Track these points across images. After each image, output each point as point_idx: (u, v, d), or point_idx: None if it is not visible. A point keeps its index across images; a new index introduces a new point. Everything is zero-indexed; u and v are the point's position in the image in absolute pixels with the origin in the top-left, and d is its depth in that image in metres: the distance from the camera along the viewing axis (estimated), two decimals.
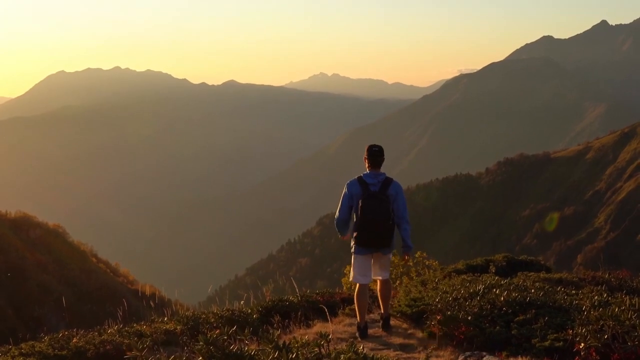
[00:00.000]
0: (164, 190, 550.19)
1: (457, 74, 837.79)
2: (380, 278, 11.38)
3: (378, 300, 12.20)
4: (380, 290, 11.55)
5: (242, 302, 14.69)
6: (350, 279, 11.71)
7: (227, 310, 12.72)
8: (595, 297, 9.32)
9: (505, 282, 11.24)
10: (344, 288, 25.60)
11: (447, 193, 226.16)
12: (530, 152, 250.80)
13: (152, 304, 15.18)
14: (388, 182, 11.09)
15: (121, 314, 14.38)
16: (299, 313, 12.89)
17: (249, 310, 12.97)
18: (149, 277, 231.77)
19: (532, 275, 13.82)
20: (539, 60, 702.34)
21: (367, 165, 11.40)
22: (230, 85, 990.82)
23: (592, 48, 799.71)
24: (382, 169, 11.65)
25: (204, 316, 12.61)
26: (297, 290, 15.62)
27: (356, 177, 11.27)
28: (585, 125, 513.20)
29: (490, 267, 16.76)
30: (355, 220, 10.95)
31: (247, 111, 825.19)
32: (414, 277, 23.65)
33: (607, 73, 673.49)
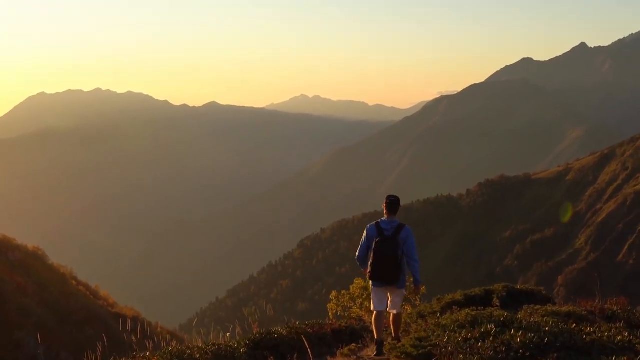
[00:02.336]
0: (145, 210, 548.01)
1: (438, 96, 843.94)
2: (393, 312, 13.43)
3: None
4: (393, 321, 13.60)
5: (227, 334, 13.93)
6: (372, 307, 13.61)
7: (212, 345, 12.04)
8: (618, 338, 8.74)
9: (518, 320, 10.62)
10: (330, 314, 25.08)
11: (428, 214, 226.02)
12: (511, 173, 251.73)
13: (133, 337, 14.25)
14: (400, 227, 13.19)
15: (102, 342, 13.60)
16: (295, 356, 12.35)
17: (236, 345, 12.29)
18: (130, 296, 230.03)
19: (540, 309, 13.30)
20: (519, 82, 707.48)
21: (385, 212, 13.49)
22: (212, 107, 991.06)
23: (572, 70, 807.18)
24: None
25: (188, 352, 11.94)
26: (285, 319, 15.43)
27: (374, 222, 13.45)
28: (565, 146, 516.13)
29: (494, 299, 16.30)
30: (370, 258, 13.09)
31: (228, 133, 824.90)
32: (405, 306, 23.05)
33: (586, 95, 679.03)
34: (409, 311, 15.16)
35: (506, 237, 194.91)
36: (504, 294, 16.92)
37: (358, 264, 13.50)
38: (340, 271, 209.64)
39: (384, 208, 13.47)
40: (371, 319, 13.90)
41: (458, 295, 17.46)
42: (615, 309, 14.24)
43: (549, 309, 13.29)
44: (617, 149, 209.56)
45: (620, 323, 11.57)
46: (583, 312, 13.18)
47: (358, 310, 24.39)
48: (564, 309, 13.39)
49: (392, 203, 13.42)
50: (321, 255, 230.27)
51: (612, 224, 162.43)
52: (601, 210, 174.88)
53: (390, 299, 13.26)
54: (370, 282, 13.33)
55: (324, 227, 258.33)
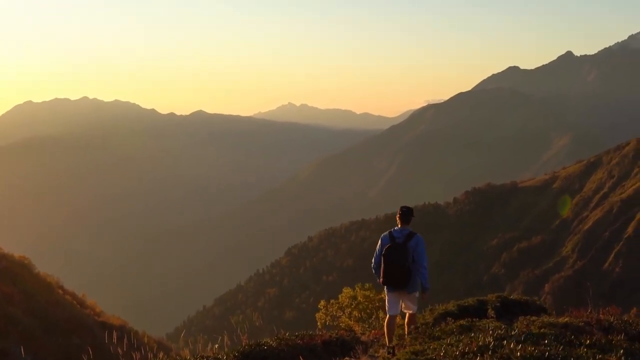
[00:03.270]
0: (132, 218, 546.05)
1: (425, 104, 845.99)
2: (407, 312, 14.47)
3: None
4: (407, 319, 14.58)
5: (216, 346, 13.69)
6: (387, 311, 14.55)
7: (200, 357, 11.81)
8: (621, 351, 8.54)
9: (515, 333, 10.38)
10: (319, 324, 24.88)
11: (415, 223, 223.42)
12: (497, 181, 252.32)
13: (120, 350, 13.96)
14: (411, 235, 14.31)
15: (87, 353, 13.35)
16: None
17: (225, 357, 12.06)
18: (116, 304, 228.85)
19: (536, 320, 13.09)
20: (505, 91, 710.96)
21: (398, 221, 14.65)
22: (199, 116, 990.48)
23: (558, 78, 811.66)
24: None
25: None
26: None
27: (388, 231, 14.48)
28: (551, 154, 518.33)
29: (489, 310, 16.13)
30: (381, 265, 14.13)
31: (215, 141, 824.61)
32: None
33: (573, 103, 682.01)
34: (399, 322, 15.01)
35: (493, 245, 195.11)
36: (498, 304, 16.77)
37: (374, 272, 14.50)
38: (328, 279, 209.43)
39: (398, 218, 14.68)
40: (384, 324, 14.69)
41: (451, 306, 17.31)
42: (612, 319, 14.09)
43: (545, 320, 13.11)
44: (603, 157, 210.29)
45: (621, 335, 11.40)
46: (580, 324, 13.03)
47: (347, 319, 24.29)
48: (561, 320, 13.23)
49: (405, 213, 14.68)
50: (308, 263, 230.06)
51: (598, 232, 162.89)
52: (588, 218, 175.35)
53: (403, 303, 14.28)
54: (385, 287, 14.28)
55: (311, 235, 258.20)
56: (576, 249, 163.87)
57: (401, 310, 14.40)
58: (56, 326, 65.86)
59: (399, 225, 14.60)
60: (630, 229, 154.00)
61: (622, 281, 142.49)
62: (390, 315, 14.26)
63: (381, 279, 14.06)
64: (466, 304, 17.11)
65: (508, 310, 16.50)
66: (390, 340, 14.02)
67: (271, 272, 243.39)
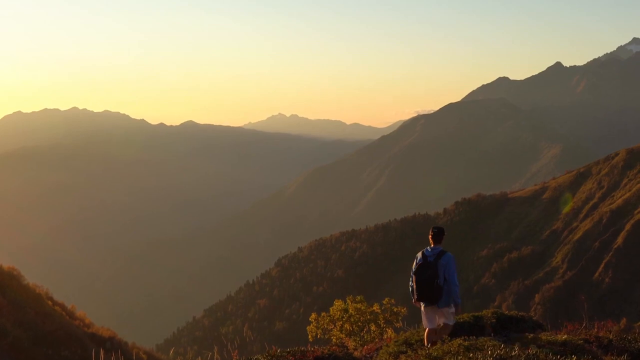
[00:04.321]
0: (121, 229, 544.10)
1: (415, 115, 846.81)
2: (441, 322, 15.52)
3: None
4: (441, 328, 15.57)
5: None
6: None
7: None
8: None
9: (516, 354, 10.37)
10: (309, 337, 24.72)
11: (405, 233, 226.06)
12: (487, 192, 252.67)
13: None
14: (441, 253, 15.56)
15: None
16: None
17: None
18: (106, 315, 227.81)
19: (535, 338, 13.09)
20: (495, 101, 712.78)
21: (430, 241, 15.86)
22: (189, 126, 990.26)
23: (548, 89, 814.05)
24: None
25: None
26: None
27: (422, 250, 15.90)
28: (541, 165, 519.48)
29: (486, 327, 16.24)
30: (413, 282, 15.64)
31: (205, 151, 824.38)
32: (382, 325, 22.76)
33: (562, 114, 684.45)
34: (391, 335, 15.21)
35: (483, 255, 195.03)
36: (494, 320, 16.81)
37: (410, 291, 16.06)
38: (318, 290, 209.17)
39: (430, 238, 15.94)
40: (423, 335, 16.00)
41: None
42: (611, 336, 14.06)
43: (544, 338, 13.09)
44: (592, 167, 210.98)
45: (624, 356, 11.36)
46: (579, 342, 12.98)
47: (338, 333, 24.09)
48: (559, 337, 13.18)
49: (436, 233, 15.91)
50: (299, 274, 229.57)
51: (588, 242, 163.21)
52: (577, 229, 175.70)
53: (438, 315, 15.52)
54: (420, 303, 15.63)
55: (301, 246, 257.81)
56: (566, 260, 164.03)
57: (438, 324, 15.57)
58: (45, 338, 65.60)
59: (432, 245, 15.87)
60: (620, 240, 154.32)
61: (613, 291, 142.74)
62: (429, 329, 15.61)
63: (415, 296, 15.55)
64: (461, 320, 17.15)
65: (504, 327, 16.59)
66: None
67: (261, 282, 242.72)
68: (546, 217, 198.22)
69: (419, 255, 15.77)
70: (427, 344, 15.33)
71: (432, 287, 15.05)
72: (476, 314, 18.14)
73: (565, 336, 13.69)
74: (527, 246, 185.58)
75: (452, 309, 15.51)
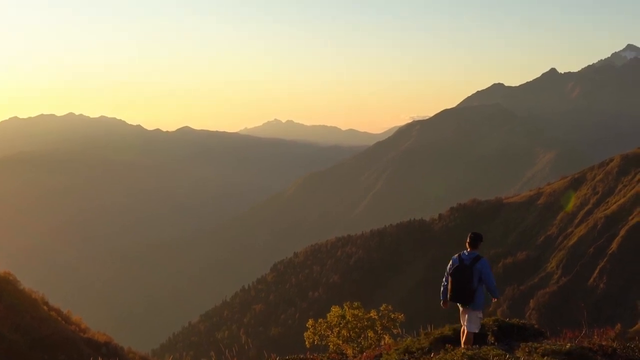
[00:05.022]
0: (117, 233, 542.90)
1: (410, 121, 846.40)
2: (466, 328, 16.48)
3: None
4: (464, 339, 16.49)
5: None
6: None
7: None
8: None
9: None
10: (307, 343, 24.86)
11: (401, 238, 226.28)
12: (482, 197, 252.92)
13: None
14: (477, 259, 16.43)
15: None
16: None
17: None
18: (101, 319, 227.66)
19: (538, 347, 13.24)
20: (490, 107, 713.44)
21: (467, 246, 16.82)
22: (185, 132, 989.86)
23: (542, 95, 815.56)
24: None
25: None
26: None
27: (457, 254, 16.76)
28: (536, 170, 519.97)
29: (489, 336, 16.63)
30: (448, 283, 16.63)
31: (201, 157, 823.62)
32: (379, 331, 22.96)
33: (557, 119, 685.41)
34: (389, 341, 15.43)
35: None
36: (496, 328, 17.10)
37: (441, 291, 17.02)
38: (314, 295, 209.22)
39: (467, 243, 16.86)
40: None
41: (447, 330, 17.58)
42: (614, 344, 14.18)
43: (547, 347, 13.17)
44: (587, 173, 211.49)
45: None
46: (584, 351, 13.00)
47: (335, 339, 24.11)
48: (564, 347, 13.25)
49: (473, 239, 16.80)
50: (294, 279, 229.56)
51: (583, 248, 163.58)
52: (572, 234, 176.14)
53: (466, 318, 16.45)
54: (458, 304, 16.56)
55: (297, 251, 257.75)
56: (561, 265, 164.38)
57: (463, 329, 16.70)
58: (42, 342, 65.71)
59: (468, 249, 16.78)
60: (614, 245, 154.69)
61: (607, 297, 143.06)
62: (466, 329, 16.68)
63: (449, 296, 16.54)
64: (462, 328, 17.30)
65: (506, 335, 16.86)
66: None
67: (257, 288, 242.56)
68: (541, 222, 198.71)
69: (455, 257, 16.78)
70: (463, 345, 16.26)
71: (466, 289, 16.08)
72: None
73: (569, 345, 13.81)
74: (522, 252, 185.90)
75: (481, 315, 16.55)
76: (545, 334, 18.42)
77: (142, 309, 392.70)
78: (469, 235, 16.92)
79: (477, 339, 16.65)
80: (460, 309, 16.57)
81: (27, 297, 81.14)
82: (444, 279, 17.00)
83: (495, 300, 17.03)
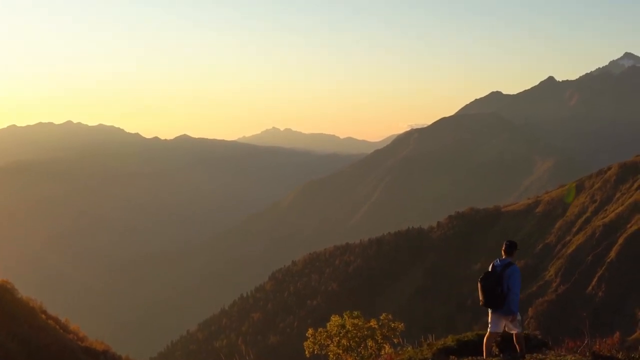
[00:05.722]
0: (116, 242, 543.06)
1: (408, 129, 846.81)
2: (513, 332, 17.14)
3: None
4: (515, 340, 17.11)
5: None
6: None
7: None
8: None
9: None
10: (306, 353, 24.78)
11: (399, 247, 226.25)
12: (480, 205, 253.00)
13: None
14: (508, 265, 17.17)
15: None
16: None
17: None
18: (99, 328, 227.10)
19: (543, 359, 13.19)
20: (488, 115, 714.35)
21: (502, 253, 17.64)
22: (183, 140, 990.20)
23: (540, 103, 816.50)
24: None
25: None
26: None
27: (494, 261, 17.57)
28: (534, 179, 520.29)
29: (493, 347, 16.66)
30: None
31: (199, 165, 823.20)
32: (380, 340, 22.94)
33: (555, 128, 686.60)
34: (389, 351, 15.40)
35: (477, 269, 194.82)
36: (499, 339, 17.14)
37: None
38: (312, 304, 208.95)
39: (503, 250, 17.69)
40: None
41: (450, 341, 17.57)
42: (619, 356, 14.12)
43: (551, 358, 13.14)
44: (585, 181, 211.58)
45: None
46: None
47: (335, 348, 23.99)
48: (569, 359, 13.20)
49: (508, 246, 17.64)
50: (293, 288, 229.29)
51: (581, 256, 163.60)
52: (570, 243, 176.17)
53: (505, 324, 17.06)
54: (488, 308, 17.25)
55: (295, 259, 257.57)
56: (559, 273, 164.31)
57: (504, 329, 17.19)
58: (40, 351, 65.47)
59: (503, 256, 17.56)
60: (613, 253, 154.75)
61: (606, 305, 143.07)
62: (490, 332, 17.18)
63: (480, 301, 17.26)
64: (465, 339, 17.40)
65: (509, 346, 16.96)
66: (487, 354, 16.95)
67: (255, 296, 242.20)
68: (539, 230, 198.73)
69: (491, 264, 17.55)
70: (486, 352, 17.05)
71: (494, 294, 16.69)
72: (480, 332, 18.45)
73: (572, 357, 13.76)
74: (520, 260, 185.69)
75: (518, 317, 17.05)
76: (548, 345, 18.54)
77: (140, 317, 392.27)
78: (504, 242, 17.84)
79: (479, 350, 16.71)
80: (491, 313, 17.15)
81: (25, 305, 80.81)
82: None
83: (512, 317, 17.09)
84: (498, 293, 16.68)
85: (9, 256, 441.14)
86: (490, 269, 17.31)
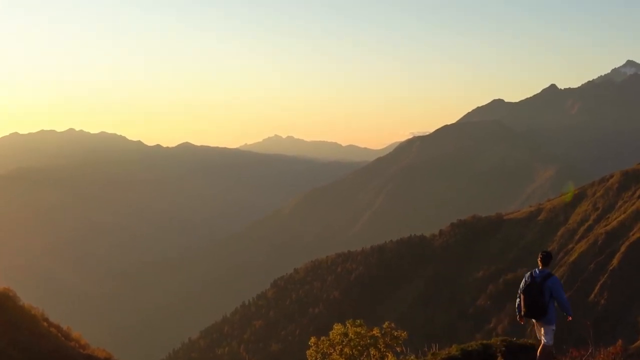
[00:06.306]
0: (117, 249, 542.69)
1: (410, 137, 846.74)
2: (542, 341, 18.36)
3: None
4: (540, 349, 18.35)
5: None
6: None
7: None
8: None
9: None
10: None
11: (401, 254, 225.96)
12: (482, 213, 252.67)
13: None
14: (548, 276, 18.18)
15: None
16: None
17: None
18: (100, 336, 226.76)
19: None
20: (490, 123, 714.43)
21: (539, 264, 18.47)
22: (185, 147, 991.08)
23: (542, 111, 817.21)
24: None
25: None
26: None
27: (530, 272, 18.43)
28: (536, 186, 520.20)
29: (498, 358, 16.69)
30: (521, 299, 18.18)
31: (201, 173, 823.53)
32: (382, 349, 22.85)
33: (556, 135, 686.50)
34: (390, 359, 15.44)
35: (479, 277, 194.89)
36: (504, 348, 17.16)
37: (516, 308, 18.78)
38: (314, 312, 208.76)
39: (539, 261, 18.54)
40: None
41: (454, 350, 17.46)
42: None
43: None
44: (587, 189, 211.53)
45: None
46: None
47: (338, 357, 23.88)
48: None
49: (545, 257, 18.55)
50: (294, 295, 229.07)
51: (583, 264, 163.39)
52: (573, 250, 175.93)
53: (541, 332, 18.35)
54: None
55: (297, 267, 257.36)
56: (562, 281, 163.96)
57: (539, 340, 18.41)
58: (41, 359, 65.40)
59: (540, 267, 18.49)
60: (615, 261, 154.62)
61: (608, 312, 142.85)
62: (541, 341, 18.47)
63: (522, 312, 18.32)
64: (470, 349, 17.35)
65: (515, 356, 17.04)
66: None
67: (257, 304, 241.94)
68: (541, 238, 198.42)
69: (527, 275, 18.43)
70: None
71: (538, 304, 17.67)
72: (485, 341, 18.52)
73: None
74: (523, 268, 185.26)
75: (554, 327, 18.25)
76: (553, 354, 18.68)
77: (142, 324, 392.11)
78: (540, 253, 18.70)
79: (482, 359, 16.73)
80: (534, 323, 18.46)
81: (27, 313, 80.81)
82: (517, 297, 18.77)
83: (571, 318, 18.29)
84: (541, 303, 17.71)
85: (10, 263, 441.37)
86: (528, 280, 18.23)
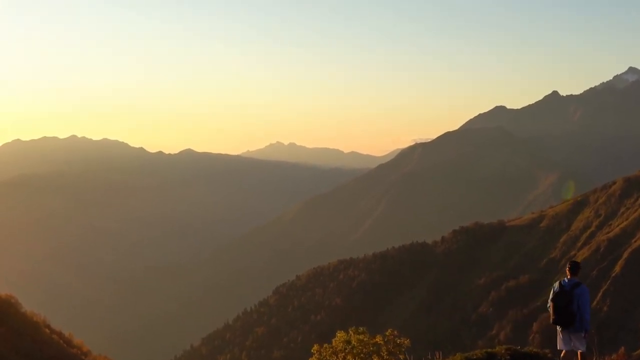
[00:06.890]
0: (119, 255, 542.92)
1: (412, 143, 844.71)
2: (578, 351, 18.75)
3: None
4: (579, 357, 18.75)
5: None
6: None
7: None
8: None
9: None
10: None
11: (403, 261, 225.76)
12: (485, 220, 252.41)
13: None
14: (576, 285, 18.62)
15: None
16: None
17: None
18: (102, 342, 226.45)
19: None
20: (492, 130, 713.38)
21: (567, 273, 19.12)
22: (187, 154, 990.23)
23: (544, 118, 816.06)
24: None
25: None
26: None
27: (559, 281, 18.99)
28: (538, 193, 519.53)
29: None
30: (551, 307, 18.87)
31: (203, 179, 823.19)
32: (385, 357, 22.78)
33: (559, 142, 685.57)
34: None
35: (481, 284, 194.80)
36: (508, 357, 17.09)
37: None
38: (316, 318, 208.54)
39: (567, 271, 19.27)
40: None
41: (458, 359, 17.34)
42: None
43: None
44: (590, 196, 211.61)
45: None
46: None
47: None
48: None
49: (573, 266, 19.31)
50: (297, 302, 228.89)
51: (586, 270, 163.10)
52: (575, 257, 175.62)
53: (572, 342, 18.74)
54: (557, 326, 19.03)
55: (299, 274, 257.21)
56: None
57: (573, 347, 18.76)
58: None
59: (569, 277, 19.06)
60: (617, 268, 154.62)
61: (610, 319, 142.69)
62: (564, 351, 19.02)
63: (551, 319, 19.05)
64: (474, 357, 17.25)
65: None
66: None
67: (259, 311, 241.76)
68: (544, 245, 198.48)
69: (556, 284, 19.01)
70: None
71: (567, 312, 18.23)
72: (489, 350, 18.39)
73: None
74: (525, 274, 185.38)
75: (584, 334, 18.79)
76: None
77: (144, 330, 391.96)
78: (568, 263, 19.39)
79: None
80: (560, 331, 18.99)
81: (29, 319, 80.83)
82: (547, 305, 19.39)
83: (585, 335, 18.83)
84: (570, 311, 18.26)
85: (12, 270, 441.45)
86: (557, 289, 18.81)
